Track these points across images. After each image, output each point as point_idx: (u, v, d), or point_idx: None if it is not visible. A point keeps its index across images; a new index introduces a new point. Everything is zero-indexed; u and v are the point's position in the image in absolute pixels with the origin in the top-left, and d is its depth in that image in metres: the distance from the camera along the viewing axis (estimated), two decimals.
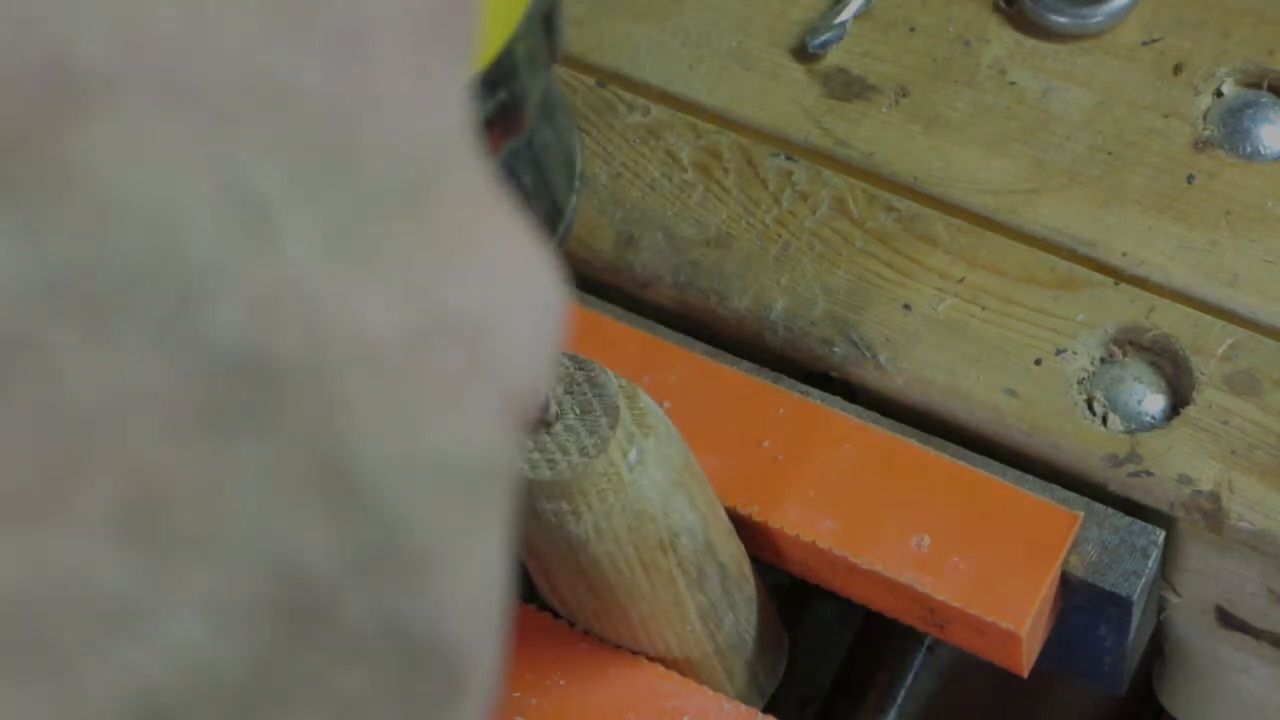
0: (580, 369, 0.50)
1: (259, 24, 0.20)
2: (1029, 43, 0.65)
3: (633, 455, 0.50)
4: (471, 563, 0.22)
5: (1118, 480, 0.56)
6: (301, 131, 0.21)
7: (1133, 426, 0.57)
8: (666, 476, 0.51)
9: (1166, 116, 0.63)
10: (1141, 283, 0.60)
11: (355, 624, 0.21)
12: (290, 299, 0.20)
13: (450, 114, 0.23)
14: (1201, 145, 0.62)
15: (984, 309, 0.60)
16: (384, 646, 0.21)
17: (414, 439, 0.21)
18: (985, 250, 0.61)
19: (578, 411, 0.50)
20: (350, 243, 0.21)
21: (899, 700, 0.60)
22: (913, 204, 0.62)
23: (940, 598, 0.54)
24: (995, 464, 0.57)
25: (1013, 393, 0.58)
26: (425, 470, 0.21)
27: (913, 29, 0.66)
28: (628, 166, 0.64)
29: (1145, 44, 0.65)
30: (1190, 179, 0.62)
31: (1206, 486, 0.56)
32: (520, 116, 0.44)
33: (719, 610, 0.55)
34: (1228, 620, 0.60)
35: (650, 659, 0.56)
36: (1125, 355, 0.59)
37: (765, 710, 0.58)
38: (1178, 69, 0.64)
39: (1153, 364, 0.59)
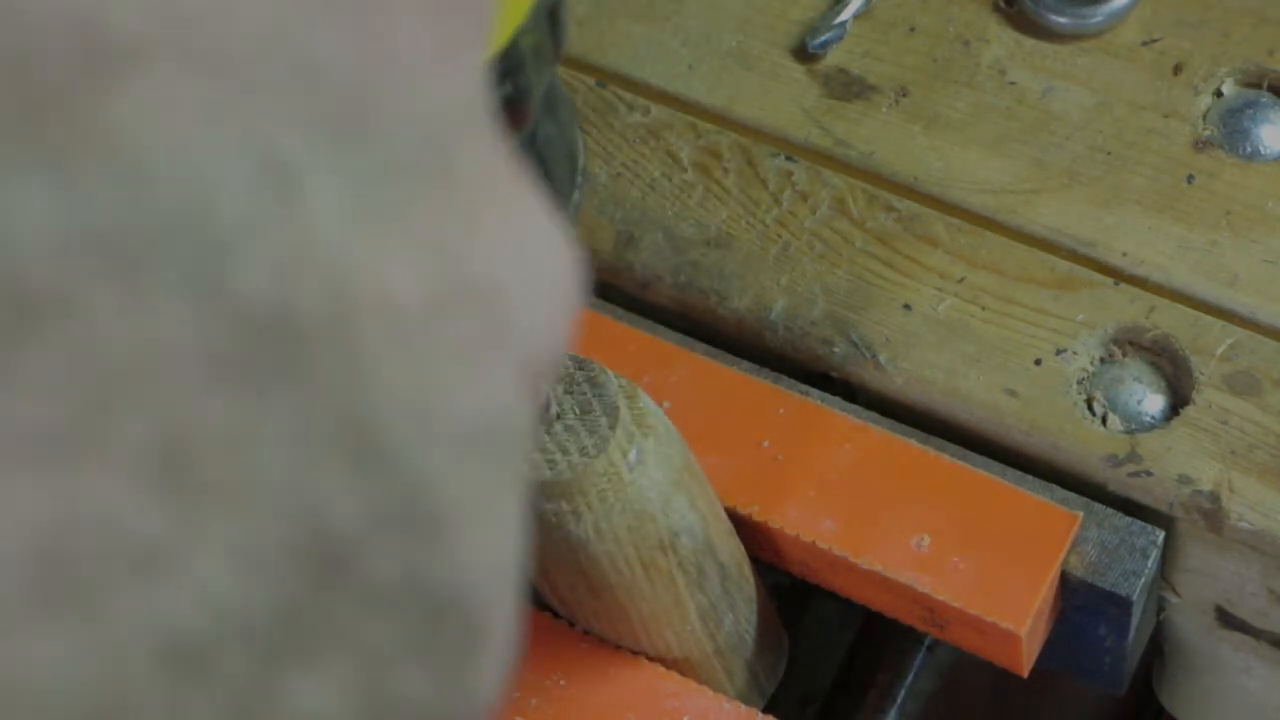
0: (580, 369, 0.50)
1: None
2: (1029, 43, 0.65)
3: (633, 455, 0.50)
4: (492, 522, 0.23)
5: (1117, 480, 0.56)
6: (326, 100, 0.21)
7: (1132, 426, 0.57)
8: (666, 476, 0.51)
9: (1166, 116, 0.63)
10: (1141, 283, 0.60)
11: (379, 577, 0.21)
12: (316, 260, 0.21)
13: (469, 87, 0.24)
14: (1201, 145, 0.62)
15: (984, 309, 0.60)
16: (407, 600, 0.22)
17: (435, 401, 0.22)
18: (985, 250, 0.61)
19: (578, 411, 0.50)
20: (373, 209, 0.22)
21: (899, 700, 0.60)
22: (913, 204, 0.62)
23: (940, 598, 0.54)
24: (995, 464, 0.57)
25: (1013, 393, 0.58)
26: (446, 432, 0.22)
27: (913, 29, 0.66)
28: (628, 166, 0.64)
29: (1145, 44, 0.65)
30: (1190, 179, 0.62)
31: (1206, 486, 0.56)
32: (524, 110, 0.44)
33: (719, 610, 0.55)
34: (1228, 620, 0.60)
35: (650, 659, 0.56)
36: (1125, 355, 0.59)
37: (765, 710, 0.58)
38: (1178, 69, 0.64)
39: (1152, 364, 0.59)
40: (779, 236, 0.62)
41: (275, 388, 0.20)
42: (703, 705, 0.55)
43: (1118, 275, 0.60)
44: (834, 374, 0.60)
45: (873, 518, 0.56)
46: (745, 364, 0.60)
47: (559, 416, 0.50)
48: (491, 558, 0.23)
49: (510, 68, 0.42)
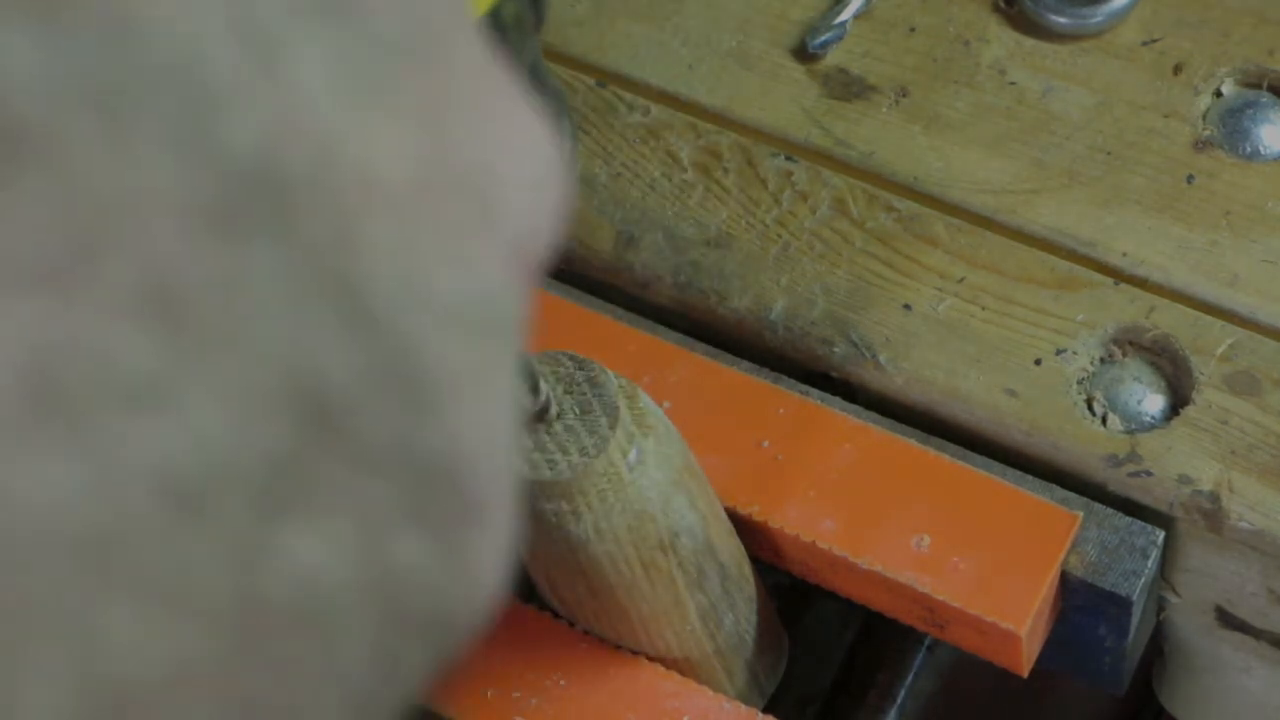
0: (580, 369, 0.50)
1: None
2: (1029, 43, 0.65)
3: (632, 455, 0.50)
4: (482, 399, 0.23)
5: (1117, 480, 0.56)
6: None
7: (1132, 426, 0.57)
8: (666, 476, 0.51)
9: (1166, 116, 0.63)
10: (1141, 283, 0.60)
11: (372, 438, 0.21)
12: (302, 125, 0.21)
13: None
14: (1201, 145, 0.62)
15: (984, 309, 0.60)
16: (402, 465, 0.22)
17: (423, 275, 0.22)
18: (985, 250, 0.61)
19: (577, 411, 0.50)
20: (360, 85, 0.22)
21: (899, 700, 0.60)
22: (913, 204, 0.62)
23: (940, 598, 0.54)
24: (995, 464, 0.57)
25: (1013, 393, 0.58)
26: (435, 305, 0.22)
27: (913, 29, 0.66)
28: (628, 166, 0.64)
29: (1145, 44, 0.65)
30: (1190, 179, 0.62)
31: (1206, 486, 0.56)
32: None
33: (719, 610, 0.55)
34: (1228, 620, 0.60)
35: (650, 659, 0.56)
36: (1125, 355, 0.59)
37: (765, 710, 0.58)
38: (1178, 69, 0.64)
39: (1152, 364, 0.59)
40: (779, 236, 0.62)
41: (262, 241, 0.21)
42: (703, 705, 0.55)
43: (1118, 275, 0.60)
44: (834, 374, 0.60)
45: (873, 518, 0.56)
46: (745, 364, 0.60)
47: (559, 416, 0.50)
48: (483, 434, 0.23)
49: (491, 37, 0.42)
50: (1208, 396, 0.57)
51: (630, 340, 0.60)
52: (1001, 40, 0.66)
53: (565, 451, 0.49)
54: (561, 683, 0.56)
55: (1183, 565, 0.58)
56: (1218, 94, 0.64)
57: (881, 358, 0.59)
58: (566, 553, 0.51)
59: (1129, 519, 0.56)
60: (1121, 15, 0.65)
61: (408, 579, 0.22)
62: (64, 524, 0.19)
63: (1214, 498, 0.55)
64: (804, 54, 0.66)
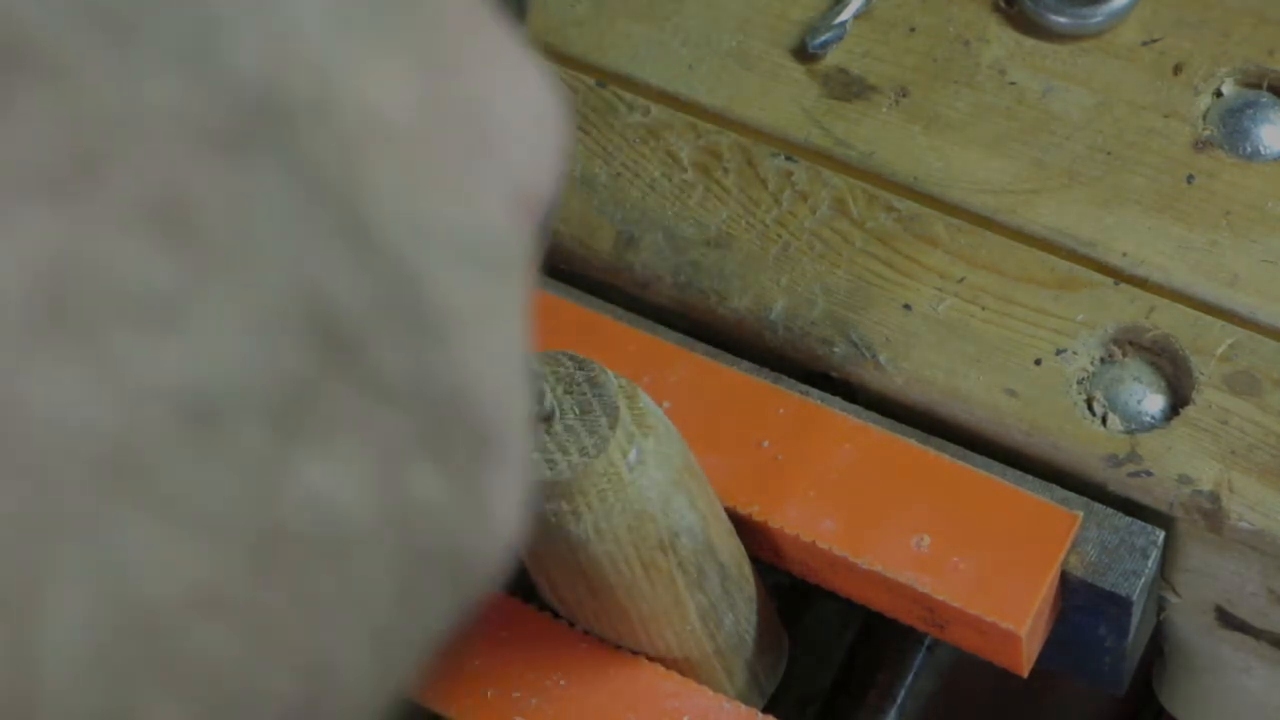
0: (580, 369, 0.50)
1: None
2: (1029, 43, 0.65)
3: (632, 455, 0.50)
4: (489, 335, 0.23)
5: (1117, 480, 0.56)
6: None
7: (1132, 426, 0.57)
8: (666, 476, 0.51)
9: (1166, 116, 0.63)
10: (1141, 283, 0.60)
11: (383, 368, 0.21)
12: (303, 54, 0.21)
13: None
14: (1201, 145, 0.62)
15: (984, 309, 0.60)
16: (413, 395, 0.22)
17: (426, 208, 0.22)
18: (985, 250, 0.61)
19: (577, 411, 0.50)
20: (356, 18, 0.22)
21: (899, 700, 0.60)
22: (913, 204, 0.62)
23: (940, 598, 0.54)
24: (995, 464, 0.57)
25: (1013, 393, 0.58)
26: (439, 238, 0.22)
27: (913, 29, 0.66)
28: (628, 166, 0.64)
29: (1145, 44, 0.65)
30: (1190, 179, 0.62)
31: (1206, 486, 0.56)
32: None
33: (719, 610, 0.55)
34: (1228, 620, 0.60)
35: (650, 659, 0.56)
36: (1125, 355, 0.59)
37: (765, 710, 0.58)
38: (1178, 69, 0.64)
39: (1152, 364, 0.59)
40: (779, 236, 0.62)
41: (268, 163, 0.21)
42: (703, 705, 0.55)
43: (1118, 275, 0.60)
44: (834, 374, 0.60)
45: (873, 518, 0.56)
46: (745, 364, 0.60)
47: (559, 416, 0.50)
48: (494, 370, 0.23)
49: None
50: (1208, 396, 0.57)
51: (630, 340, 0.60)
52: (1001, 40, 0.66)
53: (565, 451, 0.49)
54: (561, 683, 0.56)
55: (1183, 565, 0.58)
56: (1218, 94, 0.64)
57: (881, 358, 0.59)
58: (566, 553, 0.51)
59: (1129, 519, 0.56)
60: (1121, 15, 0.65)
61: (424, 514, 0.22)
62: (83, 437, 0.19)
63: (1214, 498, 0.55)
64: (804, 54, 0.66)
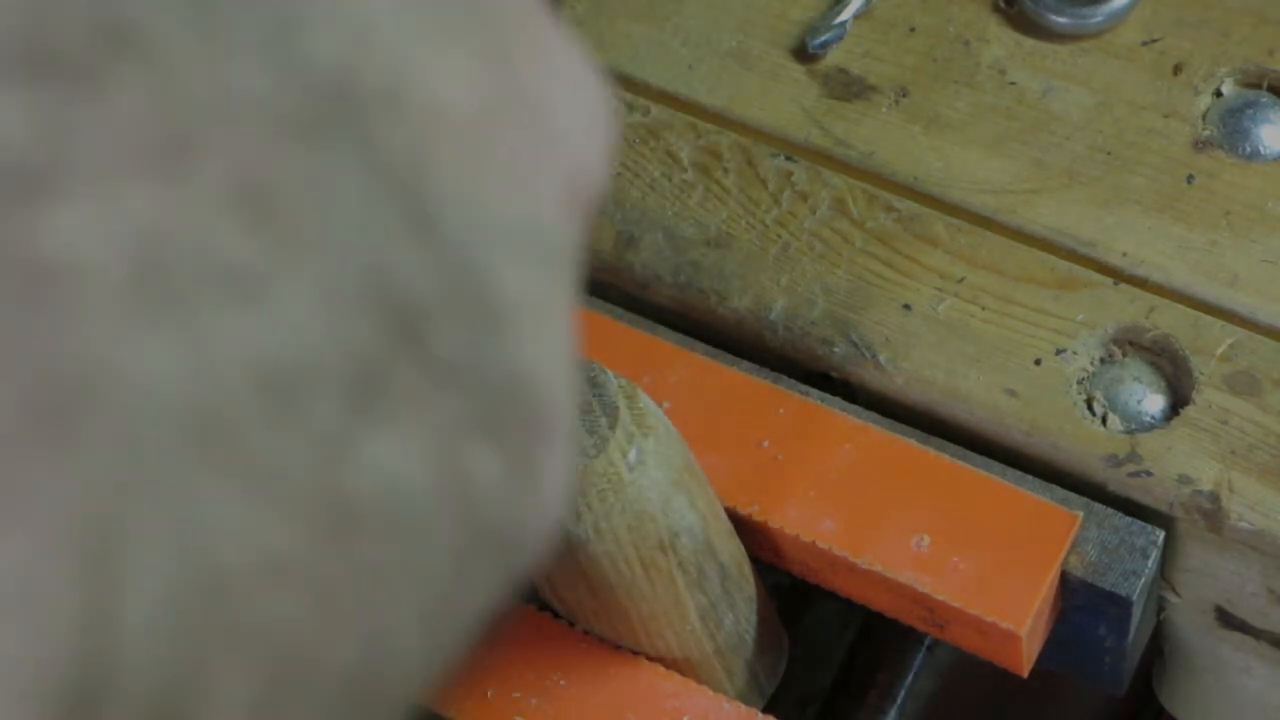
0: (580, 369, 0.50)
1: None
2: (1029, 43, 0.65)
3: (632, 455, 0.50)
4: (543, 324, 0.24)
5: (1117, 480, 0.56)
6: None
7: (1132, 426, 0.57)
8: (666, 476, 0.51)
9: (1166, 116, 0.63)
10: (1141, 283, 0.60)
11: (446, 352, 0.22)
12: (377, 46, 0.22)
13: None
14: (1201, 145, 0.62)
15: (984, 309, 0.60)
16: (473, 378, 0.23)
17: (488, 199, 0.23)
18: (985, 250, 0.61)
19: (577, 411, 0.50)
20: (424, 13, 0.23)
21: (899, 700, 0.60)
22: (913, 204, 0.62)
23: (940, 598, 0.54)
24: (995, 464, 0.57)
25: (1013, 393, 0.58)
26: (499, 230, 0.23)
27: (913, 29, 0.66)
28: (628, 166, 0.64)
29: (1145, 44, 0.65)
30: (1190, 179, 0.62)
31: (1206, 486, 0.56)
32: None
33: (719, 610, 0.55)
34: (1228, 620, 0.60)
35: (650, 659, 0.56)
36: (1125, 355, 0.59)
37: (765, 710, 0.58)
38: (1178, 69, 0.64)
39: (1152, 364, 0.59)
40: (779, 236, 0.62)
41: (343, 150, 0.21)
42: (703, 705, 0.55)
43: (1118, 275, 0.60)
44: (834, 374, 0.60)
45: (873, 518, 0.56)
46: (745, 364, 0.60)
47: None
48: (547, 356, 0.24)
49: None
50: (1208, 396, 0.57)
51: (630, 340, 0.60)
52: (1001, 40, 0.66)
53: None
54: (561, 683, 0.56)
55: (1183, 565, 0.58)
56: (1218, 94, 0.64)
57: (881, 358, 0.59)
58: (566, 553, 0.51)
59: (1129, 519, 0.56)
60: (1121, 15, 0.65)
61: (481, 491, 0.23)
62: (170, 403, 0.19)
63: (1214, 498, 0.55)
64: (804, 54, 0.66)
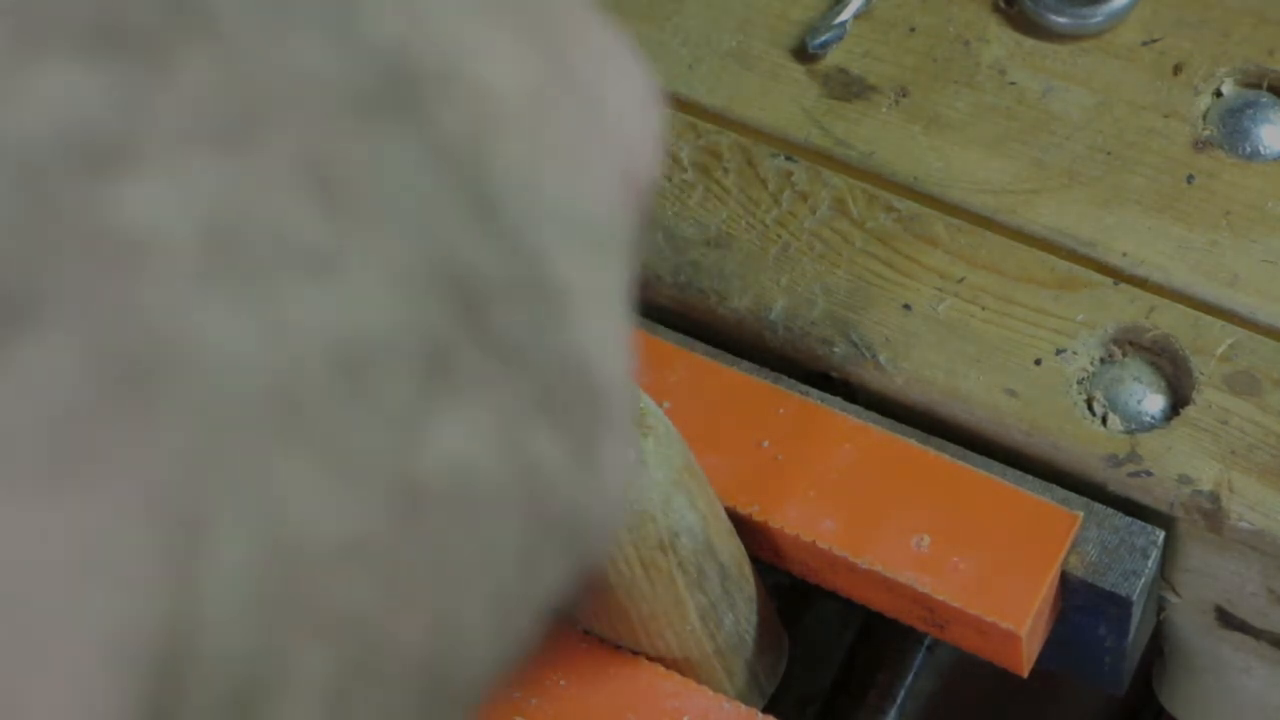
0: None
1: None
2: (1029, 43, 0.65)
3: (632, 455, 0.50)
4: (600, 309, 0.24)
5: (1117, 480, 0.56)
6: None
7: (1132, 426, 0.57)
8: (666, 476, 0.51)
9: (1166, 116, 0.63)
10: (1141, 283, 0.60)
11: (509, 335, 0.22)
12: (431, 28, 0.22)
13: None
14: (1201, 145, 0.62)
15: (984, 309, 0.60)
16: (534, 361, 0.23)
17: (546, 185, 0.23)
18: (985, 250, 0.61)
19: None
20: (480, 3, 0.23)
21: (899, 700, 0.60)
22: (913, 204, 0.62)
23: (940, 598, 0.54)
24: (995, 464, 0.57)
25: (1013, 393, 0.58)
26: (557, 216, 0.23)
27: (913, 29, 0.66)
28: None
29: (1145, 44, 0.65)
30: (1190, 179, 0.62)
31: (1206, 486, 0.56)
32: None
33: (719, 610, 0.55)
34: (1228, 620, 0.60)
35: (650, 659, 0.56)
36: (1125, 355, 0.59)
37: (765, 710, 0.58)
38: (1178, 69, 0.64)
39: (1153, 364, 0.59)
40: (779, 236, 0.62)
41: (405, 131, 0.21)
42: (703, 705, 0.55)
43: (1118, 275, 0.60)
44: (834, 374, 0.60)
45: (873, 518, 0.56)
46: (745, 364, 0.60)
47: None
48: (604, 340, 0.24)
49: None
50: (1208, 396, 0.57)
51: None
52: (1001, 40, 0.66)
53: None
54: (561, 683, 0.56)
55: (1183, 565, 0.58)
56: (1218, 94, 0.64)
57: (881, 358, 0.59)
58: None
59: (1129, 519, 0.56)
60: (1121, 15, 0.65)
61: (545, 473, 0.23)
62: (248, 376, 0.20)
63: (1214, 498, 0.55)
64: (804, 54, 0.66)
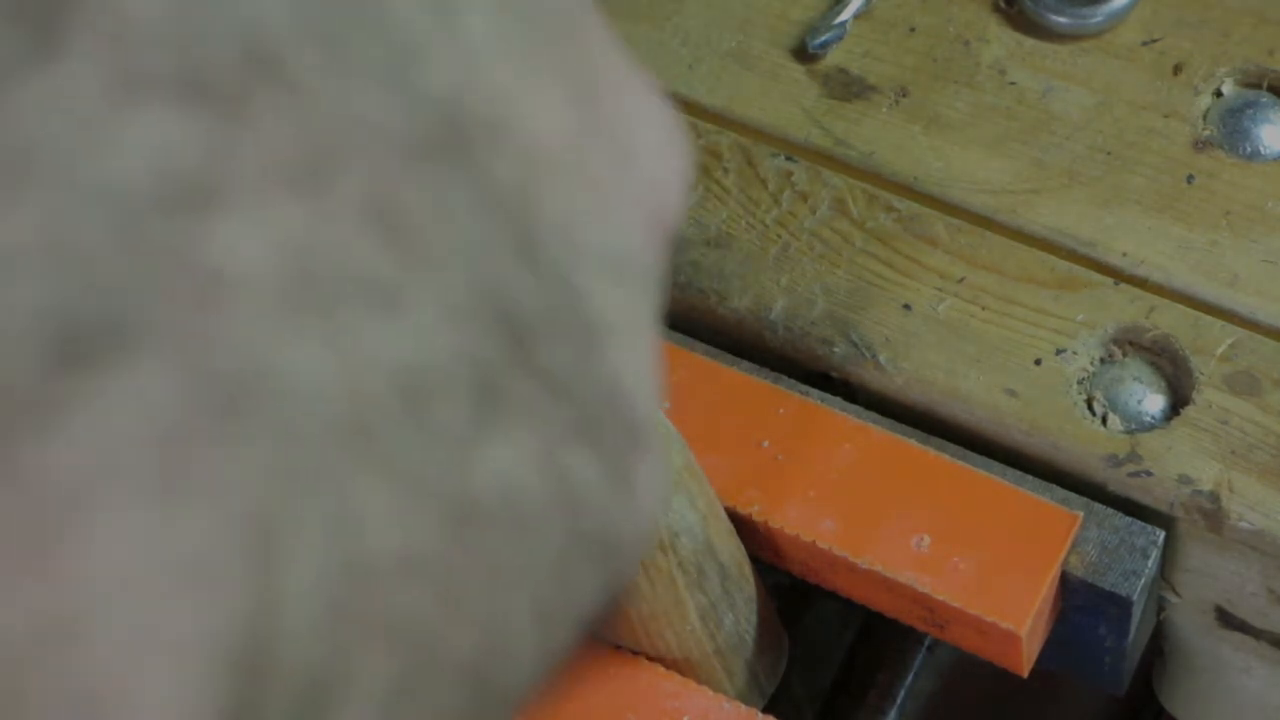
0: None
1: None
2: (1029, 43, 0.65)
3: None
4: (634, 341, 0.25)
5: (1117, 480, 0.56)
6: None
7: (1133, 426, 0.57)
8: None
9: (1166, 116, 0.63)
10: (1141, 283, 0.60)
11: (552, 365, 0.24)
12: (479, 75, 0.23)
13: None
14: (1201, 145, 0.62)
15: (984, 309, 0.60)
16: (575, 390, 0.24)
17: (583, 225, 0.25)
18: (985, 250, 0.61)
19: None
20: (520, 45, 0.24)
21: (899, 700, 0.60)
22: (913, 204, 0.62)
23: (940, 598, 0.54)
24: (995, 464, 0.57)
25: (1013, 393, 0.58)
26: (587, 254, 0.25)
27: (913, 29, 0.66)
28: None
29: (1145, 44, 0.65)
30: (1190, 179, 0.62)
31: (1206, 486, 0.56)
32: None
33: (719, 610, 0.55)
34: (1228, 620, 0.60)
35: (650, 659, 0.56)
36: (1125, 355, 0.59)
37: (765, 710, 0.58)
38: (1178, 69, 0.64)
39: (1153, 364, 0.59)
40: (779, 236, 0.62)
41: (459, 176, 0.23)
42: (703, 705, 0.55)
43: (1118, 275, 0.60)
44: (834, 374, 0.60)
45: (873, 518, 0.56)
46: (745, 364, 0.60)
47: None
48: (638, 373, 0.25)
49: None
50: (1208, 396, 0.57)
51: None
52: (1001, 40, 0.66)
53: None
54: (561, 683, 0.56)
55: (1183, 565, 0.58)
56: (1218, 94, 0.64)
57: (881, 358, 0.59)
58: None
59: (1129, 519, 0.56)
60: (1121, 15, 0.65)
61: (583, 494, 0.24)
62: (321, 401, 0.21)
63: (1214, 498, 0.55)
64: (804, 54, 0.66)
